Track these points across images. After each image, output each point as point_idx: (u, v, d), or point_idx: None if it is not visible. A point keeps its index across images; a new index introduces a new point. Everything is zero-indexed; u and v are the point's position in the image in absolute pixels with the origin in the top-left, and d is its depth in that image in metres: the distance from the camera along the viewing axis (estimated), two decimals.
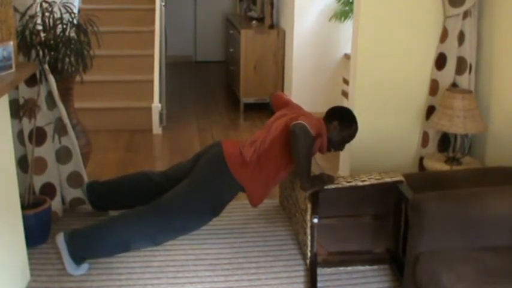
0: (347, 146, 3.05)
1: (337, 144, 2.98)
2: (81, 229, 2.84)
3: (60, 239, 2.73)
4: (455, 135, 3.28)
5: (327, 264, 2.84)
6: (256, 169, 2.85)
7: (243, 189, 2.89)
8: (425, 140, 3.50)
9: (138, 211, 2.85)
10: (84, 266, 2.77)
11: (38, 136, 3.07)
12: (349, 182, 2.65)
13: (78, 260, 2.74)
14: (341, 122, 2.93)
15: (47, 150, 3.16)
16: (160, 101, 5.21)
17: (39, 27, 3.19)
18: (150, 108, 5.11)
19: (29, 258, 2.71)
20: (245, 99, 5.83)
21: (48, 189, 3.19)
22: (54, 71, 3.21)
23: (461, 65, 3.33)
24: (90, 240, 2.77)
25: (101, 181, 3.38)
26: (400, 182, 2.65)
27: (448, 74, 3.36)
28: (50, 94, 3.17)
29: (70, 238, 2.74)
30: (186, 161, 3.16)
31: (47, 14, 3.21)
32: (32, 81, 3.04)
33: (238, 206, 3.48)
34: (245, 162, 2.86)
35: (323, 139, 2.86)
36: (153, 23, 5.48)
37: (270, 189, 2.96)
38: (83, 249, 2.76)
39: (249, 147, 2.91)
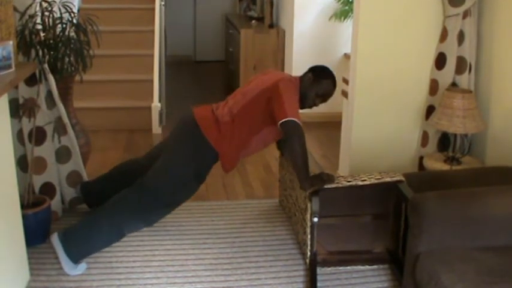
0: (347, 145, 3.04)
1: (310, 99, 2.89)
2: (74, 225, 2.84)
3: (55, 239, 2.73)
4: (455, 135, 3.28)
5: (327, 263, 2.83)
6: (228, 130, 2.81)
7: (217, 153, 2.84)
8: (425, 139, 3.50)
9: (124, 195, 2.85)
10: (82, 266, 2.76)
11: (38, 136, 3.07)
12: (349, 181, 2.65)
13: (75, 258, 2.74)
14: (315, 73, 2.90)
15: (46, 150, 3.16)
16: (160, 101, 5.20)
17: (39, 27, 3.19)
18: (149, 108, 5.10)
19: (29, 258, 2.71)
20: None
21: (48, 189, 3.19)
22: (53, 70, 3.21)
23: (461, 65, 3.33)
24: (84, 233, 2.77)
25: (92, 180, 3.37)
26: (400, 181, 2.65)
27: (447, 74, 3.36)
28: (49, 94, 3.17)
29: (64, 236, 2.74)
30: (167, 136, 3.15)
31: (46, 13, 3.21)
32: (31, 80, 3.04)
33: (238, 206, 3.48)
34: (217, 122, 2.82)
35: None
36: (152, 22, 5.48)
37: (242, 155, 2.91)
38: (79, 244, 2.75)
39: (222, 108, 2.87)
